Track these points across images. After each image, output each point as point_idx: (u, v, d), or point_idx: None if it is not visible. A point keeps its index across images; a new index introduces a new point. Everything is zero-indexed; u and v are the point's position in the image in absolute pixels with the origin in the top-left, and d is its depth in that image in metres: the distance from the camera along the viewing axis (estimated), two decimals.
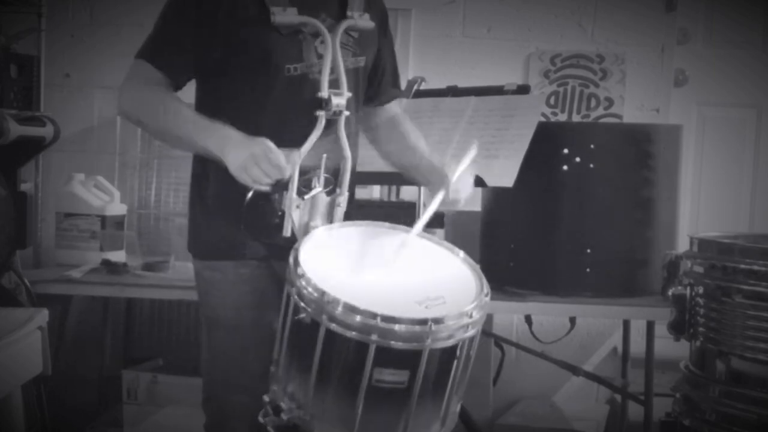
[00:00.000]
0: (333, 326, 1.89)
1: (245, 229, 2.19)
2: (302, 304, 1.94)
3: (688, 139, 3.66)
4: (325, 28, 2.20)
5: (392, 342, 1.88)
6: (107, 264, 3.51)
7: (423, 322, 1.89)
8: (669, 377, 3.01)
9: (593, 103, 4.00)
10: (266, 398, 2.02)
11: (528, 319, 3.36)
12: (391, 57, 2.46)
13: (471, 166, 2.27)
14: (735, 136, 4.04)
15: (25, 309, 3.06)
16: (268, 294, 2.23)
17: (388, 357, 1.89)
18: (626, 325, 3.64)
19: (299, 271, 1.96)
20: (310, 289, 1.93)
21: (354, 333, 1.88)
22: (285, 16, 2.17)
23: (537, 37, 4.04)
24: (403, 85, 3.63)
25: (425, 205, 2.30)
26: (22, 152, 3.49)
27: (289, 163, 2.09)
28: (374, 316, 1.87)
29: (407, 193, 3.46)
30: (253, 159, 2.05)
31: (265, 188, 2.09)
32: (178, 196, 3.97)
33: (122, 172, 4.02)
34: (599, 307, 3.04)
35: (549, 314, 3.32)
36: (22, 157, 3.52)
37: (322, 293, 1.91)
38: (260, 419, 2.03)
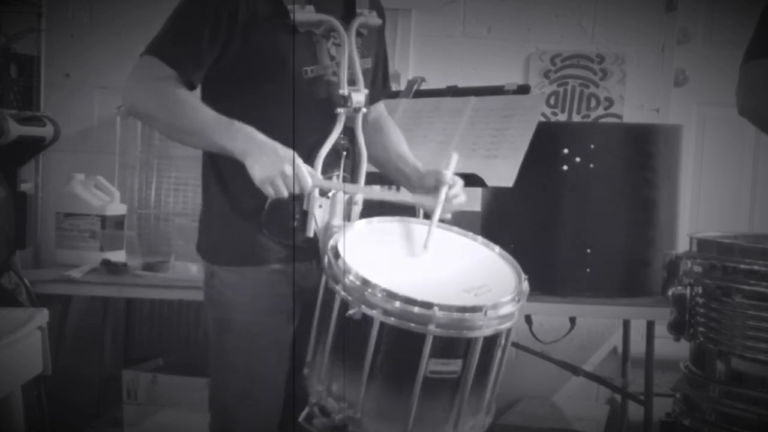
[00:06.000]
0: (390, 320, 1.88)
1: (267, 232, 2.17)
2: (350, 299, 1.92)
3: (688, 139, 3.66)
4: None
5: (449, 331, 1.88)
6: (107, 264, 3.50)
7: (478, 309, 1.90)
8: (669, 377, 3.01)
9: (593, 103, 4.00)
10: (312, 400, 1.99)
11: (528, 319, 3.36)
12: (385, 57, 2.45)
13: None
14: (735, 136, 4.03)
15: (25, 309, 3.06)
16: (284, 299, 2.20)
17: (442, 347, 1.89)
18: (626, 325, 3.64)
19: (344, 266, 1.94)
20: (358, 284, 1.91)
21: (412, 325, 1.87)
22: (304, 14, 2.14)
23: (537, 37, 4.04)
24: (403, 85, 3.65)
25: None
26: (22, 152, 3.50)
27: (312, 178, 2.08)
28: (430, 306, 1.86)
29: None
30: (281, 176, 2.03)
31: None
32: (178, 196, 3.96)
33: (122, 172, 4.01)
34: (599, 307, 3.04)
35: (549, 314, 3.31)
36: (22, 157, 3.52)
37: (375, 287, 1.90)
38: (303, 422, 1.99)
